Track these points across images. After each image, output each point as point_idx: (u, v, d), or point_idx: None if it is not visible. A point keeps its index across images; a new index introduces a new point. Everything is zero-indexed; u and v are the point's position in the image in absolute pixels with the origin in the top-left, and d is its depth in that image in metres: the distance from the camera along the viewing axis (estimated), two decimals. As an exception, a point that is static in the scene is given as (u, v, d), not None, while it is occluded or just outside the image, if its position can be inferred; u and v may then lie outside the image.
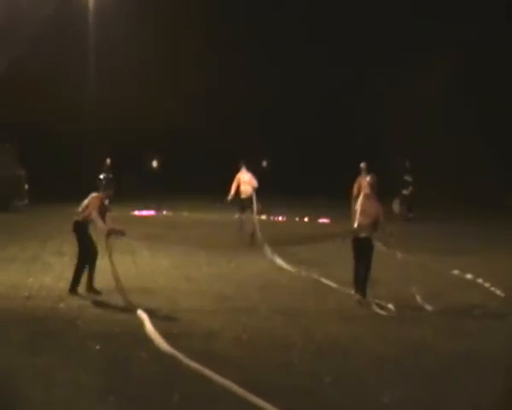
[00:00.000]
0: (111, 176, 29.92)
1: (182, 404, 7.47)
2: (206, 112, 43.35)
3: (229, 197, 21.89)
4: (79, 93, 39.50)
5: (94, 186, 29.09)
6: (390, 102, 40.03)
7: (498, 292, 14.12)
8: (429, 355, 9.61)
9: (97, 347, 9.50)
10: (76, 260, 13.19)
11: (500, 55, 39.01)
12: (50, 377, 8.19)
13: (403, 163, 29.52)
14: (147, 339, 9.92)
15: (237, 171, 22.14)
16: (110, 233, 13.03)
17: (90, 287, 13.03)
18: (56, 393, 7.67)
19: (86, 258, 13.04)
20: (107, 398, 7.54)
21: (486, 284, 14.75)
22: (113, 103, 39.29)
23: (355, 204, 14.38)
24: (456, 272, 16.13)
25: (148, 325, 10.56)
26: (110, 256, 12.85)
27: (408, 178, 29.27)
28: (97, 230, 13.17)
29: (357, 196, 15.65)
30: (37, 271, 15.30)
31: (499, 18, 38.80)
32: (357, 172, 22.46)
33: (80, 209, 13.14)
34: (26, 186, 30.82)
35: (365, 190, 13.78)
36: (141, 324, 10.70)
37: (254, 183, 21.69)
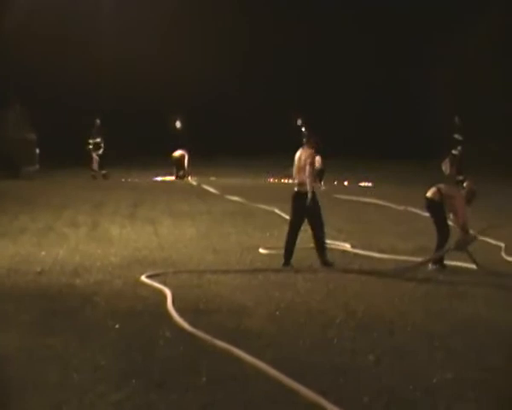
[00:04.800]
0: (98, 140, 30.13)
1: (209, 388, 7.44)
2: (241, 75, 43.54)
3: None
4: (92, 55, 39.85)
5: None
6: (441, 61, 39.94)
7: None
8: (480, 330, 9.52)
9: (117, 326, 9.51)
10: (313, 235, 13.43)
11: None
12: (66, 360, 8.21)
13: (452, 120, 29.09)
14: (171, 316, 9.91)
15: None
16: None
17: (324, 260, 13.33)
18: (72, 376, 7.68)
19: (322, 225, 13.33)
20: (128, 382, 7.54)
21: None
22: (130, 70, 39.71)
23: None
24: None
25: (172, 301, 10.57)
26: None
27: (458, 136, 28.78)
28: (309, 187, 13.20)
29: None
30: (51, 243, 15.39)
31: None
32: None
33: (299, 173, 13.31)
34: (38, 151, 31.00)
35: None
36: (164, 300, 10.70)
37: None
